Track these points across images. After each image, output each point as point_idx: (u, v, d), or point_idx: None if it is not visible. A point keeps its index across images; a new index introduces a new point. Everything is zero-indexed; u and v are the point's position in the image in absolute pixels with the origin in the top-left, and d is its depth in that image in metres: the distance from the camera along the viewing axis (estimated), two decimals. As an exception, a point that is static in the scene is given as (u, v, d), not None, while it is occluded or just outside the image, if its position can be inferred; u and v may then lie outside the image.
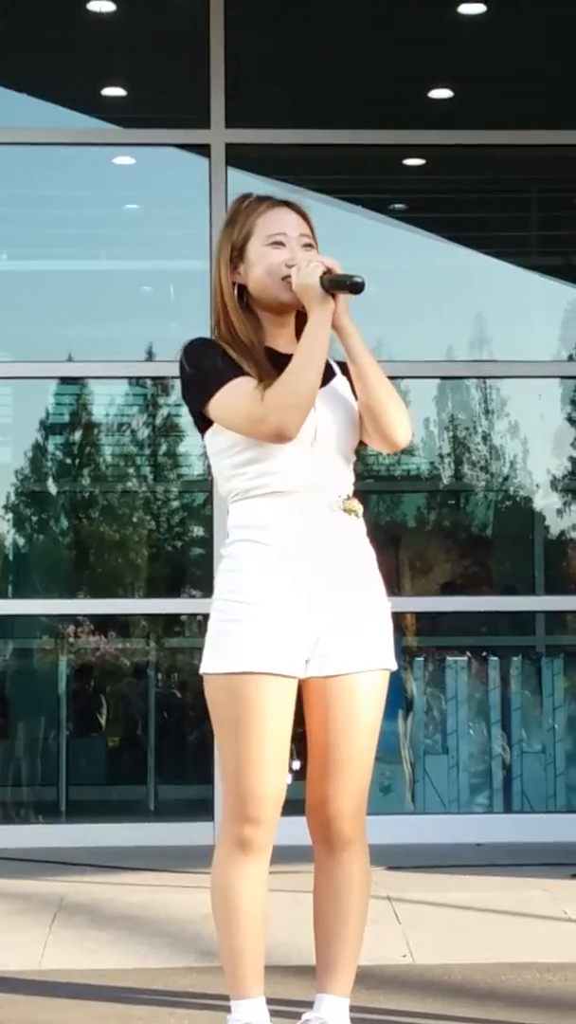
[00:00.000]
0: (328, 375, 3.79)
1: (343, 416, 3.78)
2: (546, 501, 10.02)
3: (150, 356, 8.85)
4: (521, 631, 8.95)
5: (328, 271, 3.69)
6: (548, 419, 9.67)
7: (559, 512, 10.03)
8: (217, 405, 3.69)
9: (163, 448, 10.19)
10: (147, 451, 10.12)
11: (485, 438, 10.24)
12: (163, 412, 9.96)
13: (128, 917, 5.73)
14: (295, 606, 3.67)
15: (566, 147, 8.29)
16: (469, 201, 9.23)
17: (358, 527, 3.79)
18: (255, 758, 3.64)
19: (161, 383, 9.62)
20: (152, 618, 9.00)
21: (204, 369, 3.72)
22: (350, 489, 3.80)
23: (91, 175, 8.78)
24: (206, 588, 8.01)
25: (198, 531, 9.59)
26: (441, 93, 8.67)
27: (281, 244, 3.75)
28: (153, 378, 9.57)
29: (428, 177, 9.01)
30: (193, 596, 8.97)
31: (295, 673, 3.69)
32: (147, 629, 9.08)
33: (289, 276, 3.72)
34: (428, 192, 9.23)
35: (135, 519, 10.16)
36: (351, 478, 3.82)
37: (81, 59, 8.37)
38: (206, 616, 8.11)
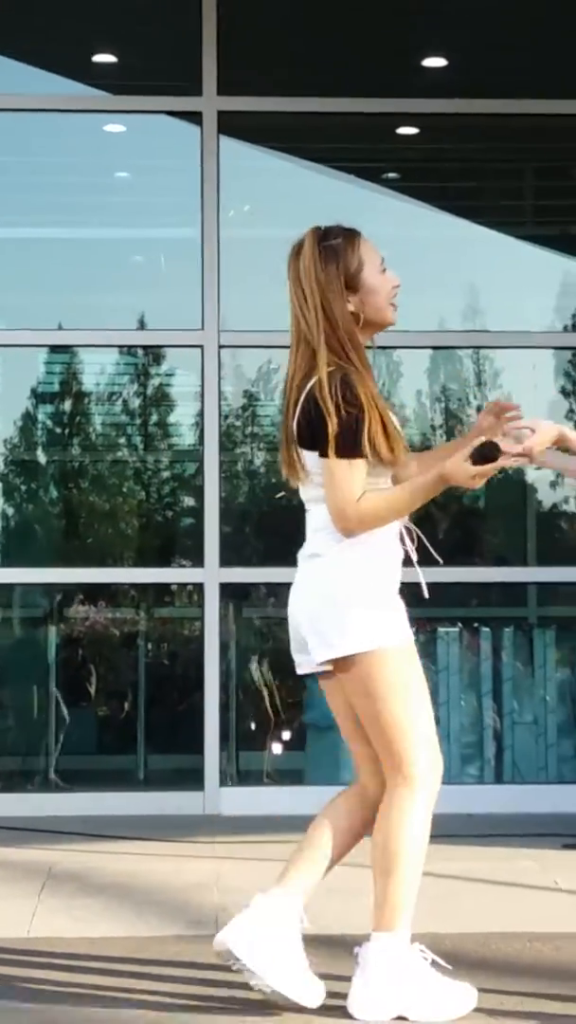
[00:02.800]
0: None
1: None
2: (539, 473, 10.00)
3: (142, 325, 8.81)
4: (513, 602, 8.94)
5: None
6: (542, 389, 9.64)
7: (552, 484, 10.01)
8: (336, 465, 4.05)
9: (154, 418, 10.15)
10: (138, 421, 10.08)
11: (479, 409, 10.21)
12: (154, 382, 9.91)
13: (117, 885, 5.73)
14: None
15: (560, 116, 8.26)
16: (463, 170, 9.18)
17: None
18: (430, 712, 4.22)
19: (153, 352, 9.57)
20: (142, 588, 8.97)
21: (352, 428, 4.03)
22: None
23: (82, 142, 8.72)
24: (196, 558, 7.99)
25: (188, 501, 9.56)
26: (435, 62, 8.62)
27: (385, 269, 4.20)
28: (144, 347, 9.52)
29: (422, 146, 8.96)
30: (183, 566, 8.94)
31: None
32: (137, 599, 9.06)
33: (395, 296, 4.20)
34: (422, 161, 9.18)
35: (125, 489, 10.13)
36: None
37: (73, 25, 8.31)
38: (197, 586, 8.10)
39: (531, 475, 9.98)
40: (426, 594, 4.23)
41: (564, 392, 9.81)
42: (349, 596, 4.12)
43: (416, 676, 4.18)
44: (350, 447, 4.03)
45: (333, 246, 4.10)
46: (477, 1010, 4.13)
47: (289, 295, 4.16)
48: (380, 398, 4.12)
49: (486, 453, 3.99)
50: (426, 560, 4.25)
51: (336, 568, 4.13)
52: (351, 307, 4.13)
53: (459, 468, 4.01)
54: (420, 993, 4.06)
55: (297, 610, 4.22)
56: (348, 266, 4.10)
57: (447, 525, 9.82)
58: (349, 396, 4.02)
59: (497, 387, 10.00)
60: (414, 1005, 4.05)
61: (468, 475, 4.00)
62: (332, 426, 4.01)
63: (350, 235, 4.15)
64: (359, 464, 4.05)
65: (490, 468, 4.02)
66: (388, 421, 4.09)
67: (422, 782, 4.17)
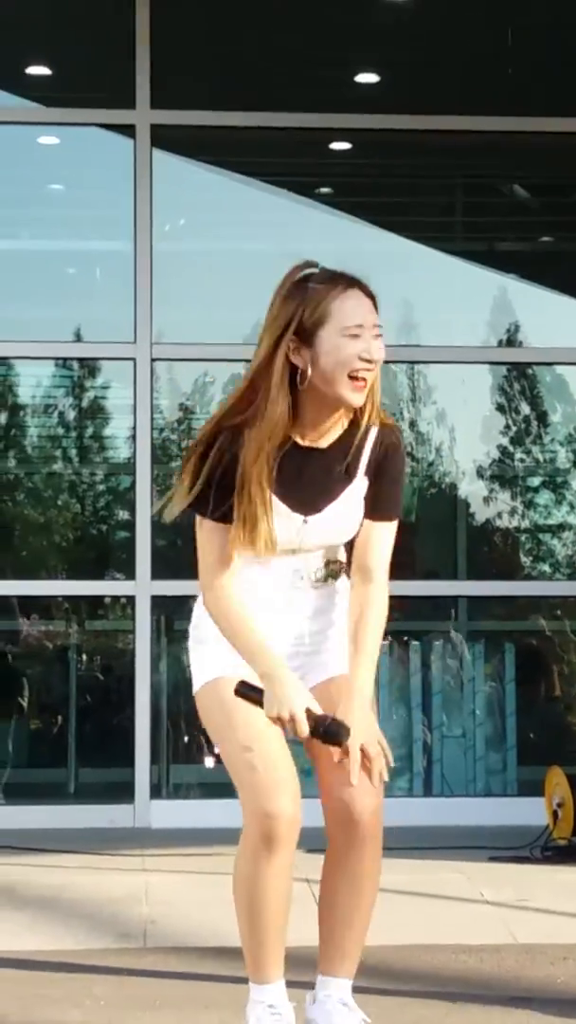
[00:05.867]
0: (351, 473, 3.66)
1: (340, 525, 3.70)
2: (470, 487, 10.05)
3: (77, 338, 8.81)
4: (443, 616, 8.98)
5: (316, 724, 3.67)
6: (472, 405, 9.69)
7: (484, 499, 10.06)
8: (198, 528, 3.70)
9: (89, 431, 10.13)
10: (73, 433, 10.07)
11: (412, 425, 10.26)
12: (89, 395, 9.91)
13: (46, 899, 5.72)
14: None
15: (491, 133, 8.33)
16: (394, 186, 9.24)
17: (333, 587, 3.81)
18: (252, 751, 3.66)
19: (88, 365, 9.56)
20: (75, 600, 8.96)
21: (204, 484, 3.62)
22: (335, 555, 3.78)
23: (15, 154, 8.72)
24: (129, 571, 7.99)
25: (123, 514, 9.55)
26: (367, 77, 8.67)
27: (357, 336, 3.53)
28: (79, 360, 9.51)
29: (354, 161, 9.01)
30: (116, 578, 8.93)
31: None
32: (70, 611, 9.04)
33: (358, 371, 3.52)
34: (354, 176, 9.22)
35: (60, 501, 10.11)
36: (340, 551, 3.79)
37: (5, 37, 8.31)
38: (129, 598, 8.09)
39: (462, 490, 10.04)
40: None
41: (498, 407, 9.86)
42: (192, 630, 3.84)
43: (229, 711, 3.65)
44: (193, 503, 3.67)
45: (306, 285, 3.54)
46: (400, 1021, 4.16)
47: None
48: (261, 481, 3.54)
49: (332, 732, 3.71)
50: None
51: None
52: (299, 361, 3.53)
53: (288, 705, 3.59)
54: None
55: None
56: (303, 312, 3.50)
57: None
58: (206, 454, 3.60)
59: (431, 403, 10.05)
60: None
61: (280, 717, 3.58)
62: None
63: (332, 283, 3.55)
64: (208, 525, 3.67)
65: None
66: (257, 508, 3.55)
67: (248, 830, 3.68)
